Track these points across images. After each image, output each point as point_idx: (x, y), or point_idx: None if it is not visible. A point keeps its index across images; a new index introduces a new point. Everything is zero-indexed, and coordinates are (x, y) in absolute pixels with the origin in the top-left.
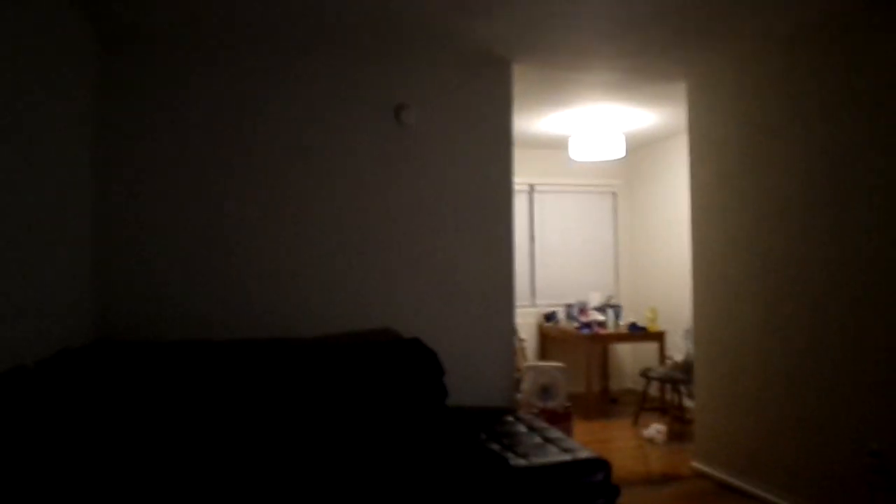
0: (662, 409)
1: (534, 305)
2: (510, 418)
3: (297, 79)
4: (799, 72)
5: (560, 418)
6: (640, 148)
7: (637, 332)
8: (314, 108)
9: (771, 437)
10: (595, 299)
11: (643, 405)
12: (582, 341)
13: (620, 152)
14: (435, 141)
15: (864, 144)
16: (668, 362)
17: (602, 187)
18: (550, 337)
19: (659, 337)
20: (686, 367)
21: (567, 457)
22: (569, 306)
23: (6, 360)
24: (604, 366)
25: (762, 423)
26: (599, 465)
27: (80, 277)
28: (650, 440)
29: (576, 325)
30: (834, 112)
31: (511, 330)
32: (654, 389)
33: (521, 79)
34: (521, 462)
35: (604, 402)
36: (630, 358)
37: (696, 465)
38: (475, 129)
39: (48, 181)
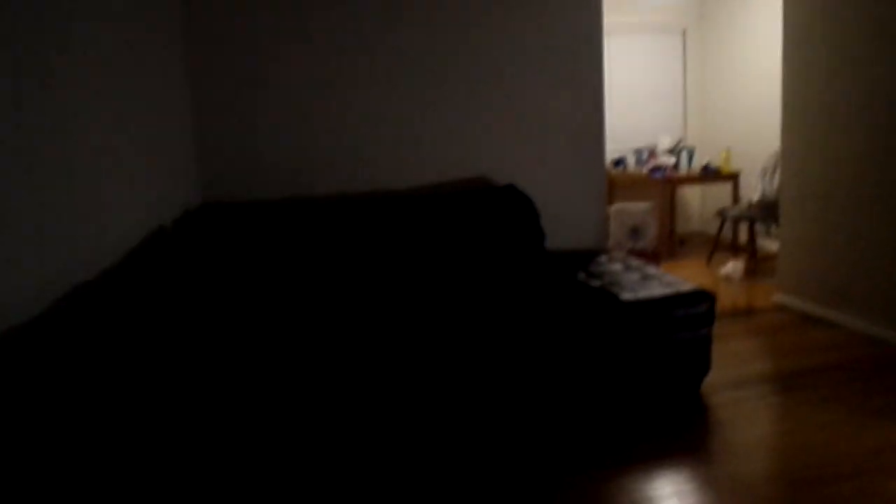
0: (735, 249)
1: None
2: (604, 258)
3: None
4: None
5: (649, 258)
6: None
7: (711, 174)
8: None
9: (863, 267)
10: (664, 143)
11: (717, 245)
12: (652, 185)
13: None
14: None
15: None
16: (744, 202)
17: (671, 25)
18: (618, 182)
19: (733, 178)
20: (763, 206)
21: (671, 290)
22: (637, 151)
23: (147, 219)
24: (672, 209)
25: (853, 253)
26: (704, 297)
27: (186, 144)
28: (727, 277)
29: (646, 169)
30: None
31: (602, 174)
32: (726, 230)
33: None
34: (629, 296)
35: (672, 244)
36: (699, 201)
37: (778, 298)
38: None
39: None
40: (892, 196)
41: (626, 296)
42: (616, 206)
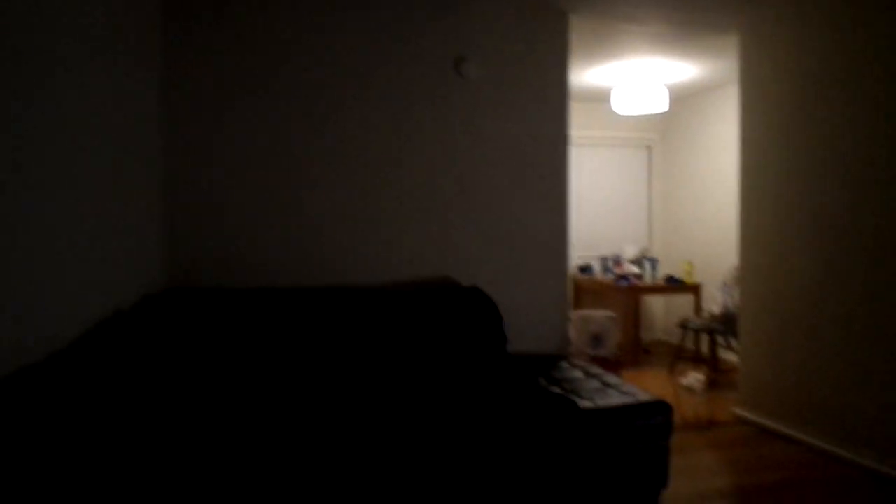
0: (697, 360)
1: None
2: (565, 364)
3: (358, 31)
4: (856, 21)
5: (610, 366)
6: (678, 101)
7: (674, 285)
8: (374, 60)
9: (819, 383)
10: (629, 252)
11: (680, 355)
12: (617, 293)
13: (664, 106)
14: (493, 93)
15: None
16: (706, 314)
17: (638, 140)
18: (584, 288)
19: (695, 289)
20: (724, 319)
21: (630, 399)
22: (603, 258)
23: (103, 302)
24: (636, 317)
25: (811, 370)
26: (662, 408)
27: (153, 227)
28: (689, 388)
29: (611, 276)
30: (892, 63)
31: (565, 280)
32: (689, 341)
33: (573, 30)
34: (588, 404)
35: (637, 352)
36: (662, 310)
37: (737, 411)
38: (533, 81)
39: (120, 139)
40: (845, 316)
41: (585, 404)
42: (578, 313)
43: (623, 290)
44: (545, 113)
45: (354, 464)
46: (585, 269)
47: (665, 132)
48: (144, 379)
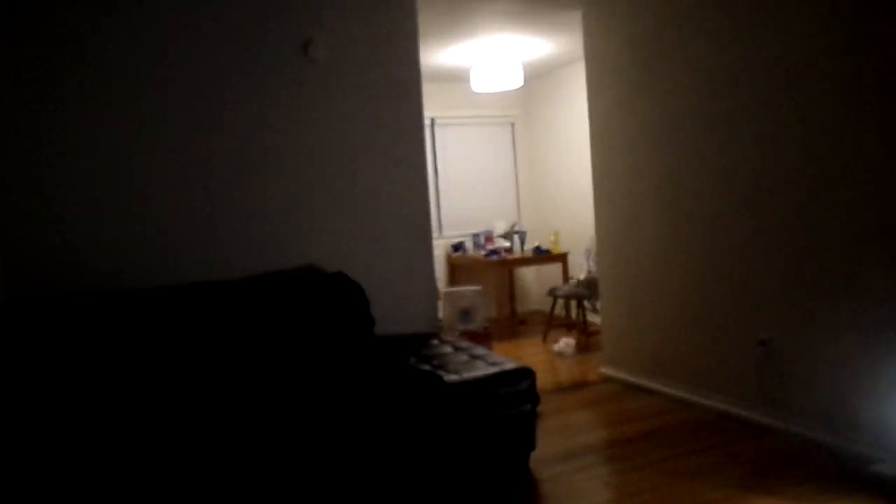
0: (569, 325)
1: (441, 237)
2: (435, 341)
3: (200, 17)
4: None
5: (480, 338)
6: (537, 78)
7: (542, 255)
8: (219, 45)
9: (671, 338)
10: (500, 227)
11: (551, 322)
12: (490, 267)
13: (519, 82)
14: (343, 75)
15: (747, 68)
16: (572, 281)
17: (501, 118)
18: (458, 266)
19: (562, 258)
20: (589, 284)
21: (495, 369)
22: (475, 235)
23: None
24: (510, 290)
25: (662, 326)
26: (525, 374)
27: None
28: (560, 353)
29: (483, 252)
30: (720, 35)
31: (430, 259)
32: (559, 308)
33: (423, 10)
34: (454, 377)
35: (513, 324)
36: (535, 281)
37: (604, 371)
38: (383, 61)
39: None
40: (689, 274)
41: (451, 377)
42: (446, 290)
43: (494, 264)
44: (399, 93)
45: (227, 448)
46: (458, 248)
47: (526, 108)
48: None
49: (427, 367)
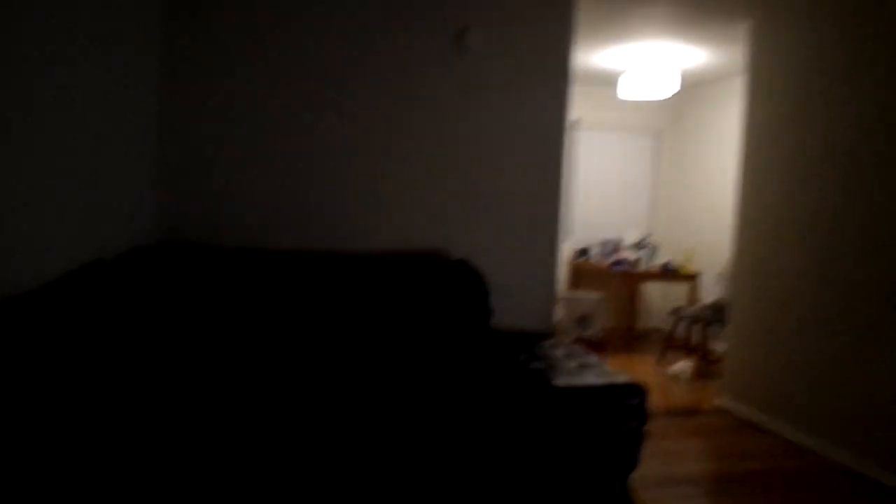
0: (688, 348)
1: (568, 240)
2: (548, 343)
3: (355, 1)
4: (865, 17)
5: (594, 347)
6: (688, 89)
7: (670, 273)
8: (373, 29)
9: (802, 378)
10: (629, 238)
11: (670, 343)
12: (614, 278)
13: (671, 91)
14: (493, 66)
15: None
16: (699, 303)
17: (645, 127)
18: (582, 271)
19: (691, 278)
20: (716, 309)
21: (606, 380)
22: (603, 243)
23: (89, 255)
24: (632, 303)
25: (795, 364)
26: (636, 391)
27: (145, 181)
28: (675, 376)
29: (609, 261)
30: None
31: (554, 260)
32: (680, 329)
33: (581, 8)
34: (562, 382)
35: (629, 338)
36: (658, 298)
37: (720, 401)
38: (535, 57)
39: (117, 91)
40: (833, 315)
41: (559, 382)
42: (566, 294)
43: (618, 276)
44: (546, 92)
45: (329, 431)
46: (584, 253)
47: (675, 119)
48: (114, 327)
49: (536, 367)
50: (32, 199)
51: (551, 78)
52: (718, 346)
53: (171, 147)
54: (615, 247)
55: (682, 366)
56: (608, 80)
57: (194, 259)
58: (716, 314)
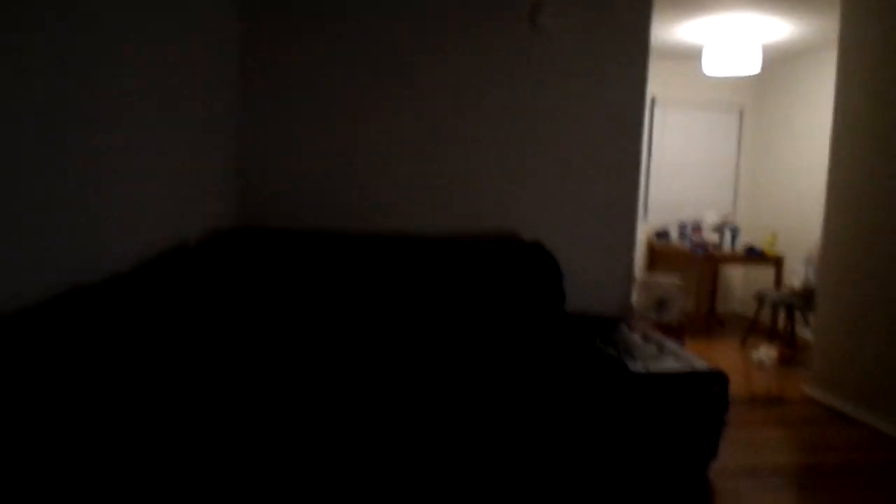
0: (772, 334)
1: (645, 221)
2: (625, 327)
3: None
4: None
5: (673, 332)
6: (773, 64)
7: (754, 256)
8: (447, 9)
9: (894, 368)
10: (710, 220)
11: (753, 328)
12: (694, 261)
13: (756, 67)
14: (568, 45)
15: None
16: (785, 288)
17: (728, 103)
18: (660, 253)
19: (776, 262)
20: (803, 294)
21: (685, 367)
22: (682, 225)
23: (174, 235)
24: (713, 287)
25: (888, 354)
26: (717, 378)
27: (225, 165)
28: (759, 363)
29: (688, 244)
30: None
31: (632, 242)
32: (764, 315)
33: None
34: (640, 369)
35: (710, 322)
36: (740, 281)
37: (807, 390)
38: (611, 33)
39: (200, 79)
40: None
41: (637, 367)
42: (643, 278)
43: (699, 258)
44: (623, 69)
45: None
46: (662, 235)
47: (759, 96)
48: (201, 311)
49: (612, 353)
50: (121, 185)
51: (629, 53)
52: (804, 333)
53: (250, 135)
54: (695, 229)
55: (766, 352)
56: (688, 55)
57: (274, 243)
58: (802, 299)
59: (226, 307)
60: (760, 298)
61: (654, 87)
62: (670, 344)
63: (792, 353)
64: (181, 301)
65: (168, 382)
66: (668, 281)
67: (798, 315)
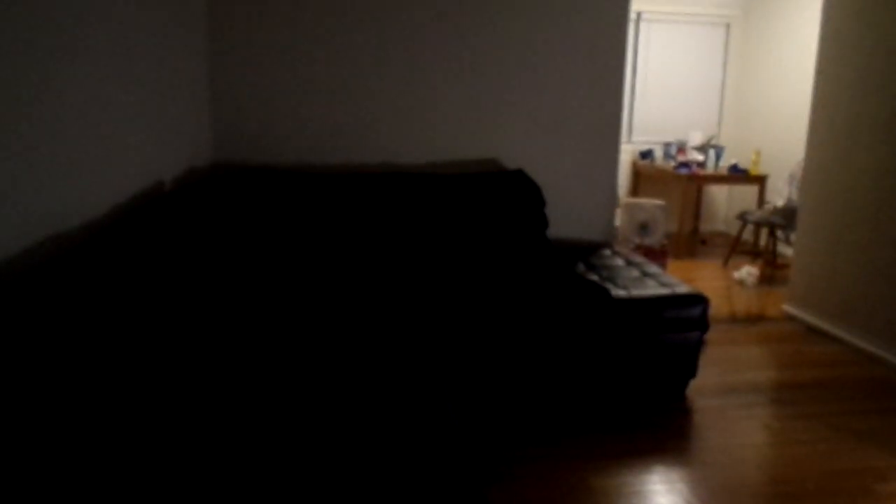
0: (755, 253)
1: (629, 141)
2: (608, 252)
3: None
4: None
5: (656, 255)
6: None
7: (737, 175)
8: None
9: (873, 284)
10: (695, 139)
11: (735, 247)
12: (678, 181)
13: None
14: None
15: None
16: (768, 206)
17: (716, 17)
18: (644, 175)
19: (760, 181)
20: (786, 213)
21: (666, 291)
22: (667, 144)
23: (148, 175)
24: (696, 207)
25: (866, 271)
26: (697, 300)
27: (200, 101)
28: (740, 282)
29: (673, 164)
30: None
31: (614, 165)
32: (747, 233)
33: None
34: (621, 293)
35: (693, 242)
36: (725, 202)
37: (787, 308)
38: None
39: (170, 16)
40: None
41: (618, 292)
42: (627, 200)
43: (683, 178)
44: None
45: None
46: (646, 155)
47: (746, 9)
48: (181, 253)
49: (594, 278)
50: (90, 126)
51: None
52: (786, 251)
53: (222, 70)
54: (679, 148)
55: (747, 271)
56: None
57: (251, 180)
58: (785, 218)
59: (206, 247)
60: (743, 217)
61: (638, 2)
62: (652, 267)
63: (773, 271)
64: (160, 245)
65: (158, 326)
66: (651, 203)
67: (780, 234)
